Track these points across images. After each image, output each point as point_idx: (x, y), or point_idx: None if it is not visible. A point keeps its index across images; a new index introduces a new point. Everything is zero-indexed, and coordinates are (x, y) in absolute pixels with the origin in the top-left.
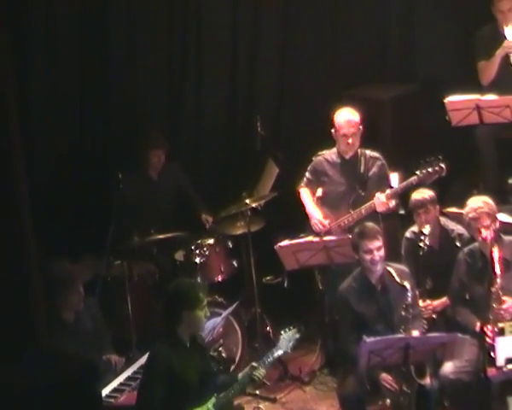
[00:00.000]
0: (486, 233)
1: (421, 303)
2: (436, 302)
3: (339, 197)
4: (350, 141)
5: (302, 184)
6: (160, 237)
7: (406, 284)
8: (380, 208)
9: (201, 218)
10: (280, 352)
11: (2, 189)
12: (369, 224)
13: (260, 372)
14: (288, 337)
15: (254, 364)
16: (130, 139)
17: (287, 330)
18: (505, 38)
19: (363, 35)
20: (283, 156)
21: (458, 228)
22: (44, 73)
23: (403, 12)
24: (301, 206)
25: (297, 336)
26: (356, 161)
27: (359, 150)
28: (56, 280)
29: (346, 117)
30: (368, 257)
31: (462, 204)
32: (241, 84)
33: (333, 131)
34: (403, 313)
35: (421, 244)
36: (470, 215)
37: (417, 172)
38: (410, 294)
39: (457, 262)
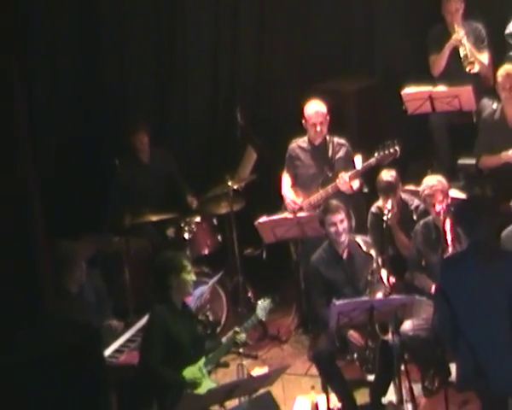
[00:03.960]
0: (440, 207)
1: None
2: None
3: (310, 178)
4: (318, 129)
5: (284, 171)
6: (154, 218)
7: (372, 252)
8: (342, 187)
9: (187, 200)
10: (256, 319)
11: (11, 173)
12: (333, 200)
13: (242, 336)
14: (263, 306)
15: (237, 329)
16: (120, 128)
17: (262, 300)
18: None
19: (329, 34)
20: (261, 143)
21: (415, 202)
22: (46, 74)
23: (365, 13)
24: (279, 188)
25: (271, 305)
26: (324, 147)
27: (327, 137)
28: (61, 258)
29: (315, 108)
30: (332, 229)
31: (418, 182)
32: (223, 79)
33: (303, 121)
34: (369, 278)
35: (385, 218)
36: (426, 192)
37: (375, 155)
38: (374, 261)
39: (414, 233)
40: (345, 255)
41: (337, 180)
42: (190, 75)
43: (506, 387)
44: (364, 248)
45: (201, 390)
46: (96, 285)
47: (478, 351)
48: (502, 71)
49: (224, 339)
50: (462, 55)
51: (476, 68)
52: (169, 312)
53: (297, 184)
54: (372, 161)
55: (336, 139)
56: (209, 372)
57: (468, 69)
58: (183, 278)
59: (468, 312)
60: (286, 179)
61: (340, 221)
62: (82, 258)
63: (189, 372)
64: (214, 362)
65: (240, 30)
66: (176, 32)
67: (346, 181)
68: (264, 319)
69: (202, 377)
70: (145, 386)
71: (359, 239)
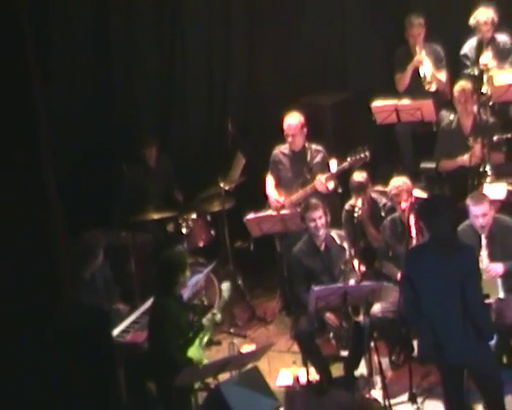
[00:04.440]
0: (405, 205)
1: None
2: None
3: (291, 180)
4: (290, 139)
5: (268, 174)
6: (156, 216)
7: (345, 244)
8: (319, 188)
9: (174, 195)
10: (224, 300)
11: (35, 173)
12: (313, 199)
13: (218, 316)
14: (226, 288)
15: (214, 311)
16: (131, 139)
17: (224, 283)
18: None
19: (309, 55)
20: (249, 149)
21: (383, 200)
22: (63, 90)
23: (339, 38)
24: (264, 188)
25: (231, 286)
26: (303, 153)
27: (306, 144)
28: (87, 247)
29: (288, 121)
30: (312, 224)
31: (386, 183)
32: (217, 95)
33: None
34: (342, 267)
35: (356, 214)
36: (393, 192)
37: (348, 159)
38: (347, 252)
39: (383, 228)
40: (322, 247)
41: (315, 182)
42: (189, 91)
43: (461, 359)
44: (338, 241)
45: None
46: (104, 274)
47: (436, 329)
48: (457, 87)
49: (204, 321)
50: (422, 75)
51: (433, 87)
52: (175, 304)
53: (280, 185)
54: (345, 164)
55: (314, 146)
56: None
57: (426, 88)
58: (187, 275)
59: (428, 295)
60: (270, 181)
61: (319, 217)
62: (102, 248)
63: (192, 353)
64: (205, 342)
65: (232, 52)
66: (176, 55)
67: (323, 183)
68: (227, 299)
69: (201, 355)
70: (160, 370)
71: (334, 233)
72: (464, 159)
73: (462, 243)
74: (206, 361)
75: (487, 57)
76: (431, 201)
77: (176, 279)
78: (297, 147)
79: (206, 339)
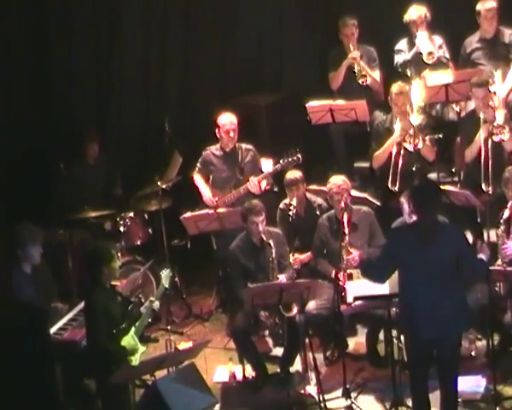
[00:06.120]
0: (343, 204)
1: (291, 257)
2: (303, 256)
3: (223, 181)
4: (231, 135)
5: (195, 172)
6: (94, 214)
7: (271, 242)
8: (253, 189)
9: (113, 191)
10: (163, 287)
11: None
12: (257, 201)
13: (156, 303)
14: (165, 275)
15: (152, 298)
16: (70, 137)
17: (164, 270)
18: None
19: (244, 57)
20: (186, 149)
21: (318, 200)
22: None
23: (275, 38)
24: (196, 188)
25: (171, 273)
26: (235, 153)
27: (237, 144)
28: (22, 238)
29: (229, 118)
30: (254, 227)
31: (320, 182)
32: (153, 95)
33: (217, 130)
34: (270, 265)
35: (290, 213)
36: (334, 190)
37: (280, 161)
38: (273, 250)
39: (318, 225)
40: (258, 246)
41: (248, 183)
42: (126, 91)
43: (436, 331)
44: (264, 239)
45: (137, 355)
46: (45, 271)
47: (416, 302)
48: (395, 89)
49: (142, 309)
50: (356, 70)
51: (368, 81)
52: (103, 294)
53: (212, 185)
54: (278, 166)
55: (244, 145)
56: (140, 339)
57: (360, 81)
58: (112, 267)
59: (410, 270)
60: (199, 179)
61: (262, 221)
62: (40, 240)
63: (126, 342)
64: (141, 330)
65: (168, 52)
66: (113, 55)
67: (256, 184)
68: (167, 286)
69: (136, 344)
70: (93, 361)
71: (266, 231)
72: (392, 139)
73: (448, 225)
74: (142, 349)
75: (423, 37)
76: (425, 186)
77: (100, 270)
78: (232, 144)
79: (143, 326)
